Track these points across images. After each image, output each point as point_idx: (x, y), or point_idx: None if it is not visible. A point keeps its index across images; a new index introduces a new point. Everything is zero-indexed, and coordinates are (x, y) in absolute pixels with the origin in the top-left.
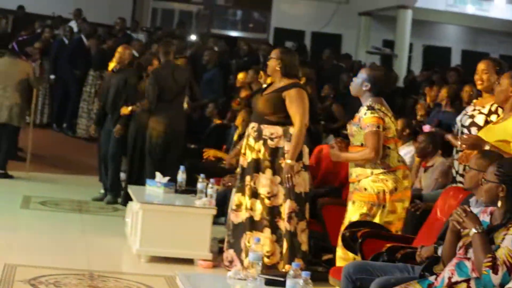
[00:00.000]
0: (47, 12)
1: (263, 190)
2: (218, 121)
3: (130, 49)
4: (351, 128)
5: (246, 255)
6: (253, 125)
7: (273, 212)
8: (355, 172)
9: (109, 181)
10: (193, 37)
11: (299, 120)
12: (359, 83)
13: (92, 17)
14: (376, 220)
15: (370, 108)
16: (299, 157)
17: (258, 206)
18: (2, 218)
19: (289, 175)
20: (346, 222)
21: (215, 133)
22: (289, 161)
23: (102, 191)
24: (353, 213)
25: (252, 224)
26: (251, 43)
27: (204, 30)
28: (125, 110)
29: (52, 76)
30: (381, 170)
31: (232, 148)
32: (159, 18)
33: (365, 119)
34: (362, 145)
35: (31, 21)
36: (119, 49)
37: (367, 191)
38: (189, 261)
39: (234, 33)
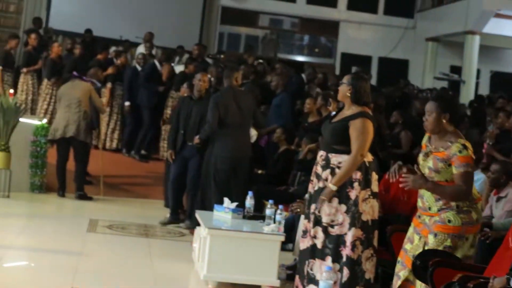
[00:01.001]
0: (114, 36)
1: (326, 219)
2: (286, 146)
3: (206, 76)
4: (436, 164)
5: (308, 282)
6: (321, 153)
7: (337, 241)
8: (436, 206)
9: (188, 207)
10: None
11: (356, 149)
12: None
13: (159, 41)
14: (458, 253)
15: (465, 147)
16: (366, 185)
17: (321, 234)
18: (69, 242)
19: (323, 198)
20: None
21: (282, 158)
22: (331, 185)
23: (168, 215)
24: (436, 246)
25: (314, 252)
26: (317, 68)
27: (271, 54)
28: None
29: (126, 103)
30: (467, 203)
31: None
32: (226, 43)
33: (461, 157)
34: (446, 181)
35: (99, 44)
36: (200, 76)
37: (451, 223)
38: None
39: (300, 58)
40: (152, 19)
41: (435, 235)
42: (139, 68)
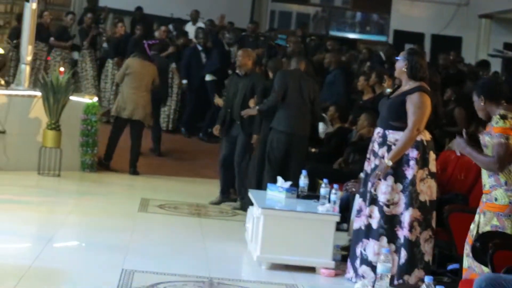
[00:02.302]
0: (165, 13)
1: (382, 197)
2: (339, 125)
3: (251, 53)
4: (483, 139)
5: (361, 263)
6: (378, 130)
7: (392, 221)
8: (489, 183)
9: (237, 187)
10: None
11: (413, 123)
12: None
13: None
14: (508, 231)
15: (503, 117)
16: (424, 164)
17: (376, 214)
18: (120, 221)
19: (378, 173)
20: (474, 233)
21: (336, 136)
22: (386, 161)
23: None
24: (484, 225)
25: (368, 232)
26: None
27: (322, 32)
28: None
29: (184, 81)
30: None
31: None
32: (277, 20)
33: (495, 128)
34: None
35: (149, 22)
36: (241, 52)
37: (498, 201)
38: (311, 269)
39: (352, 35)
40: None
41: (484, 213)
42: (199, 47)
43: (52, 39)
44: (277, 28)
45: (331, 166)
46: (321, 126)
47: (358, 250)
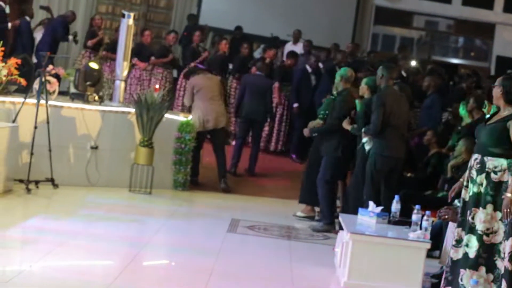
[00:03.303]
0: (265, 33)
1: (481, 226)
2: (436, 150)
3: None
4: None
5: None
6: (476, 156)
7: (491, 250)
8: None
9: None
10: (413, 63)
11: None
12: None
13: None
14: None
15: None
16: None
17: (474, 243)
18: (208, 241)
19: (507, 210)
20: None
21: (433, 162)
22: (509, 195)
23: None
24: None
25: (466, 261)
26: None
27: (425, 56)
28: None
29: (295, 105)
30: None
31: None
32: (380, 43)
33: None
34: None
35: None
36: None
37: None
38: None
39: (455, 60)
40: (304, 17)
41: None
42: (309, 69)
43: (152, 58)
44: (379, 50)
45: (425, 192)
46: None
47: (458, 281)
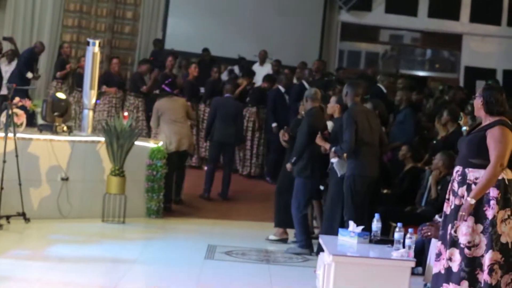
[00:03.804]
0: (232, 55)
1: (463, 239)
2: (412, 164)
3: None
4: None
5: None
6: (457, 168)
7: (474, 263)
8: None
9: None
10: (380, 78)
11: (495, 158)
12: None
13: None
14: None
15: None
16: (506, 204)
17: (457, 256)
18: (186, 270)
19: (463, 213)
20: None
21: (409, 177)
22: (468, 199)
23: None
24: None
25: (449, 276)
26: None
27: (392, 70)
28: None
29: (274, 124)
30: None
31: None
32: (346, 59)
33: None
34: None
35: (217, 65)
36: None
37: None
38: None
39: (422, 73)
40: (270, 37)
41: None
42: (282, 89)
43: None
44: (346, 67)
45: (404, 208)
46: (329, 124)
47: None
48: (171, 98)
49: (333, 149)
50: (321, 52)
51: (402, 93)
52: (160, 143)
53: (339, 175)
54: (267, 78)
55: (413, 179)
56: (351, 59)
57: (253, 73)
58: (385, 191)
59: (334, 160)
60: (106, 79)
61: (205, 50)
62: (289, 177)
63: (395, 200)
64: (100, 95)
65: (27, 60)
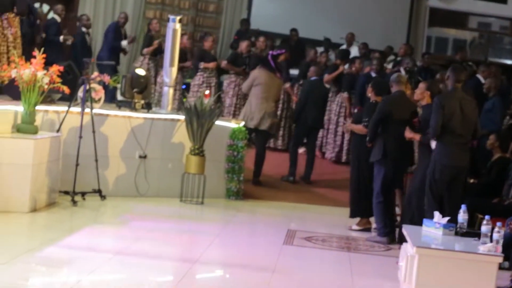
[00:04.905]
0: (318, 37)
1: None
2: (500, 154)
3: None
4: None
5: None
6: None
7: None
8: None
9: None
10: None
11: None
12: None
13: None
14: None
15: None
16: None
17: None
18: (264, 255)
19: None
20: None
21: (496, 167)
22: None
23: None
24: None
25: None
26: None
27: (481, 58)
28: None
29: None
30: None
31: None
32: (433, 46)
33: None
34: None
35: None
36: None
37: None
38: None
39: (511, 62)
40: (357, 20)
41: None
42: (373, 74)
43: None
44: (433, 53)
45: (491, 199)
46: None
47: None
48: (270, 73)
49: (422, 138)
50: (408, 37)
51: (491, 80)
52: (242, 123)
53: None
54: (340, 53)
55: (500, 169)
56: (439, 46)
57: (349, 56)
58: (471, 180)
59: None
60: (201, 56)
61: (293, 30)
62: (358, 164)
63: (481, 190)
64: (191, 74)
65: (114, 32)
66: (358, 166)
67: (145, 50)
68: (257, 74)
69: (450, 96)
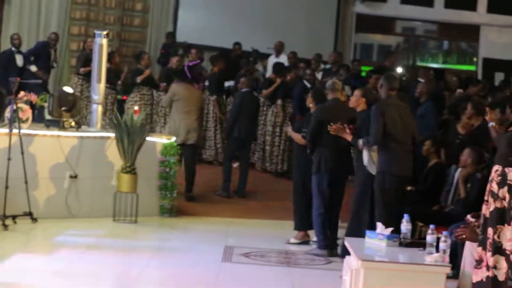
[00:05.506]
0: (245, 47)
1: (508, 245)
2: (436, 160)
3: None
4: None
5: None
6: (496, 168)
7: None
8: None
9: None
10: (399, 70)
11: None
12: None
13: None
14: None
15: None
16: None
17: (503, 264)
18: (202, 274)
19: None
20: None
21: (433, 173)
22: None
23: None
24: None
25: (494, 285)
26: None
27: (407, 62)
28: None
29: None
30: None
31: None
32: (359, 52)
33: None
34: None
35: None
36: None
37: None
38: None
39: (439, 65)
40: (284, 29)
41: None
42: (308, 84)
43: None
44: (359, 59)
45: (429, 206)
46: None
47: None
48: (189, 86)
49: (360, 141)
50: (336, 44)
51: (423, 85)
52: (173, 139)
53: (371, 171)
54: (276, 67)
55: (437, 175)
56: (364, 51)
57: (283, 69)
58: (409, 188)
59: (364, 156)
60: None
61: (237, 44)
62: (300, 174)
63: (419, 197)
64: (130, 89)
65: (32, 52)
66: (301, 176)
67: (82, 70)
68: (175, 88)
69: (388, 103)
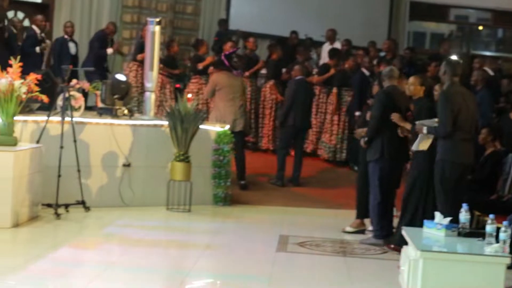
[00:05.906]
0: (299, 36)
1: None
2: (493, 149)
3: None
4: None
5: None
6: None
7: None
8: None
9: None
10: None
11: None
12: None
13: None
14: None
15: None
16: None
17: None
18: (256, 264)
19: None
20: None
21: (490, 161)
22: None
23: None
24: None
25: None
26: None
27: (462, 50)
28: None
29: (357, 113)
30: None
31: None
32: (411, 40)
33: None
34: None
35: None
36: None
37: None
38: None
39: (493, 53)
40: (337, 17)
41: None
42: (366, 72)
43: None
44: (413, 47)
45: (486, 195)
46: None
47: None
48: (229, 74)
49: (424, 130)
50: (389, 32)
51: (478, 73)
52: (227, 127)
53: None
54: (331, 53)
55: (494, 164)
56: (417, 39)
57: (339, 54)
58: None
59: (415, 145)
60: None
61: (293, 32)
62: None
63: (476, 187)
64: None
65: (100, 41)
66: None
67: (139, 56)
68: (216, 78)
69: (454, 91)
